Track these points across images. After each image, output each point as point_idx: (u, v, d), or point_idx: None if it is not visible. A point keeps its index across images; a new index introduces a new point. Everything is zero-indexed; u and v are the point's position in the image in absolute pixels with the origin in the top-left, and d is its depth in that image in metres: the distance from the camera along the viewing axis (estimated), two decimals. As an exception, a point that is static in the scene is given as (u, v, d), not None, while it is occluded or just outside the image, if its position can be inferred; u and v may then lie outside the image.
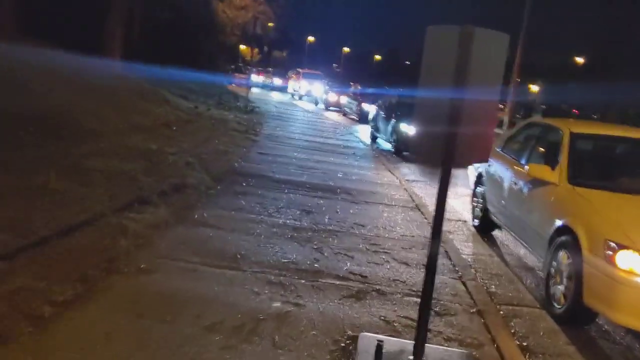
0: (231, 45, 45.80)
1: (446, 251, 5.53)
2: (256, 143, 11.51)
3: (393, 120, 14.45)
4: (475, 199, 7.38)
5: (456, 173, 11.47)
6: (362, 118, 23.59)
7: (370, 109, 17.49)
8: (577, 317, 4.18)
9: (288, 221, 5.84)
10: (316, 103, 32.17)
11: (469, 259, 5.69)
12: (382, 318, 3.77)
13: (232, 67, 46.70)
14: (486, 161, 3.10)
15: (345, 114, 26.48)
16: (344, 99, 27.18)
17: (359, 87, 26.74)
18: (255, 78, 50.16)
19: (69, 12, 14.86)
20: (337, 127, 18.82)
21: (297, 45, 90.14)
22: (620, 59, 61.63)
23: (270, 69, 58.42)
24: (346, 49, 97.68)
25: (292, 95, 39.06)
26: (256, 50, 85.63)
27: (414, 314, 3.72)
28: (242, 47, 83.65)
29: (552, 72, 76.81)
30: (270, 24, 50.32)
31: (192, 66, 27.62)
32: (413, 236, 5.96)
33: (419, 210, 7.30)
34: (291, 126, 16.80)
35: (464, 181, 11.16)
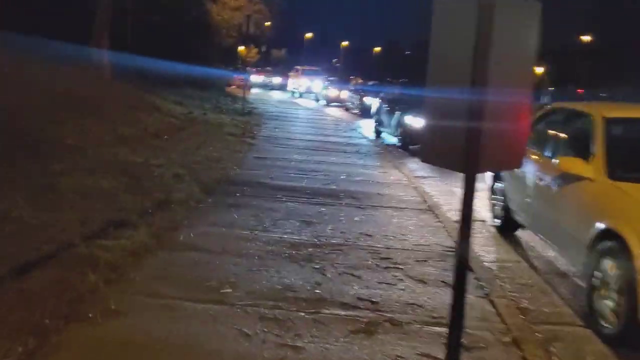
0: (228, 47, 45.24)
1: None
2: (253, 147, 10.86)
3: (397, 113, 13.76)
4: (494, 196, 6.69)
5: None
6: (365, 112, 22.89)
7: (373, 103, 16.81)
8: (632, 338, 3.49)
9: (285, 236, 5.18)
10: (317, 100, 31.51)
11: (494, 268, 5.02)
12: (399, 359, 3.10)
13: (230, 68, 46.11)
14: (519, 167, 2.39)
15: (347, 109, 25.82)
16: (344, 94, 26.53)
17: (360, 81, 26.05)
18: (255, 78, 49.55)
19: (54, 18, 14.30)
20: (338, 124, 18.15)
21: (296, 43, 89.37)
22: (628, 35, 60.42)
23: (269, 68, 57.74)
24: (345, 43, 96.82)
25: (292, 93, 38.40)
26: (255, 50, 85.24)
27: (438, 351, 3.06)
28: (241, 48, 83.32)
29: (556, 53, 75.64)
30: (268, 23, 49.71)
31: (188, 70, 27.03)
32: (428, 245, 5.29)
33: (432, 212, 6.62)
34: (291, 126, 16.15)
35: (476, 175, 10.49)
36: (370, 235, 5.40)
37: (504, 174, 6.32)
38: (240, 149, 10.24)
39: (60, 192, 5.45)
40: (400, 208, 6.67)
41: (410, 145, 13.29)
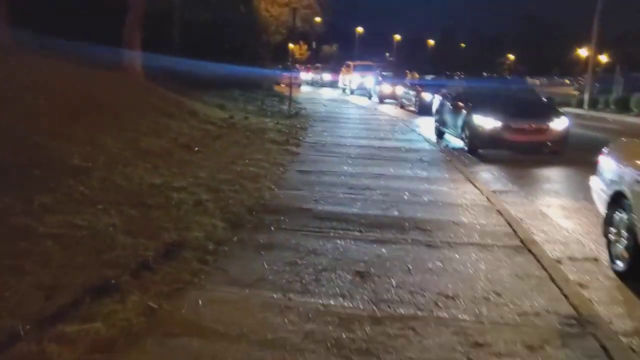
0: (277, 44, 44.14)
1: (604, 347, 3.22)
2: (297, 157, 9.41)
3: (464, 112, 12.00)
4: (611, 228, 4.96)
5: (550, 175, 8.94)
6: (422, 110, 21.11)
7: (434, 100, 15.07)
8: None
9: (332, 301, 3.68)
10: (369, 96, 29.83)
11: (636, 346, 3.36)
12: None
13: (280, 66, 45.07)
14: None
15: (402, 106, 24.04)
16: (400, 90, 24.75)
17: (417, 76, 24.22)
18: (304, 75, 48.39)
19: (87, 16, 13.37)
20: (394, 124, 16.48)
21: (347, 38, 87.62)
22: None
23: (319, 64, 56.43)
24: (397, 37, 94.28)
25: (343, 90, 36.87)
26: (305, 46, 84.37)
27: None
28: (291, 45, 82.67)
29: (622, 41, 70.73)
30: (318, 19, 48.28)
31: (236, 69, 25.98)
32: (538, 314, 3.65)
33: (529, 250, 4.94)
34: (341, 128, 14.62)
35: (561, 186, 8.68)
36: (452, 298, 3.81)
37: (631, 201, 4.59)
38: (282, 160, 8.81)
39: (36, 239, 4.15)
40: (486, 246, 5.03)
41: (480, 148, 11.52)
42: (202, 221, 5.06)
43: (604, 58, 78.95)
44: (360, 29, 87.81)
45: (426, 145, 12.06)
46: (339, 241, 4.93)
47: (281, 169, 8.12)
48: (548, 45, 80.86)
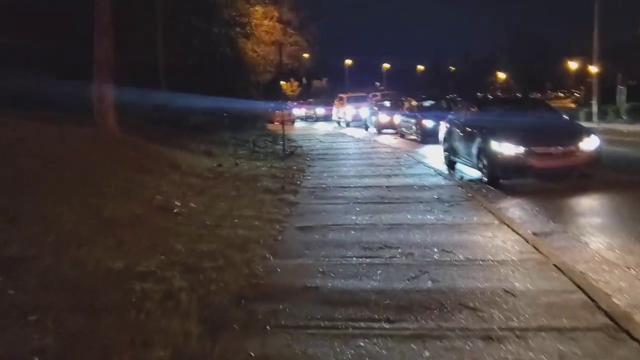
0: (267, 82, 43.33)
1: None
2: (295, 208, 8.03)
3: (478, 139, 10.70)
4: None
5: (592, 205, 7.53)
6: (425, 138, 19.87)
7: (441, 127, 13.80)
8: None
9: None
10: (366, 128, 28.65)
11: None
12: None
13: (271, 104, 44.19)
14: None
15: (402, 135, 22.80)
16: (398, 119, 23.54)
17: (414, 103, 23.02)
18: (297, 111, 47.48)
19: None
20: (398, 156, 15.16)
21: (336, 72, 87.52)
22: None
23: (311, 99, 55.66)
24: (386, 65, 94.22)
25: (338, 123, 35.78)
26: (295, 83, 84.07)
27: None
28: (282, 82, 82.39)
29: (612, 52, 70.18)
30: (306, 55, 47.61)
31: (226, 111, 24.92)
32: None
33: (630, 336, 3.53)
34: (342, 166, 13.28)
35: (612, 219, 7.19)
36: None
37: None
38: (278, 214, 7.42)
39: None
40: (564, 331, 3.59)
41: (502, 179, 10.18)
42: (171, 327, 3.66)
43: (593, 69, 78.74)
44: (349, 61, 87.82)
45: (439, 180, 10.69)
46: (361, 342, 3.51)
47: (277, 227, 6.73)
48: (538, 60, 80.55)
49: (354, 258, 5.37)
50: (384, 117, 25.80)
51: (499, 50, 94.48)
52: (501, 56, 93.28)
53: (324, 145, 19.57)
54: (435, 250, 5.58)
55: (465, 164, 11.92)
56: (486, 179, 10.41)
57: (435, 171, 11.91)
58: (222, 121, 23.96)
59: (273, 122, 40.23)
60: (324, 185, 10.17)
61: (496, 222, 6.87)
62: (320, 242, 6.03)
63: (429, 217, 7.27)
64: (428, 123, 19.82)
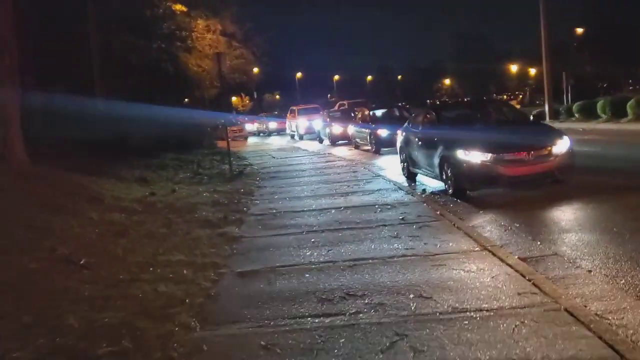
0: (214, 97, 41.73)
1: None
2: (238, 244, 6.70)
3: (440, 148, 9.65)
4: None
5: (577, 218, 6.50)
6: (380, 148, 18.90)
7: (398, 136, 12.72)
8: None
9: None
10: (320, 140, 27.50)
11: None
12: None
13: (222, 121, 42.65)
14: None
15: (357, 146, 21.78)
16: (351, 129, 22.50)
17: (367, 112, 22.02)
18: (250, 127, 46.05)
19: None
20: (355, 170, 14.00)
21: (287, 85, 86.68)
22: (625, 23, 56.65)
23: (263, 114, 54.31)
24: (337, 77, 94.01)
25: (292, 136, 34.60)
26: (247, 98, 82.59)
27: None
28: (233, 98, 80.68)
29: (553, 50, 71.58)
30: (256, 70, 46.20)
31: (169, 130, 23.35)
32: None
33: None
34: (295, 185, 12.01)
35: (607, 235, 6.04)
36: None
37: None
38: (216, 256, 6.09)
39: None
40: None
41: (469, 190, 9.15)
42: None
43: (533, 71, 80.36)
44: (299, 74, 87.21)
45: (401, 195, 9.56)
46: None
47: (212, 274, 5.39)
48: (480, 64, 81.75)
49: (309, 319, 4.09)
50: (337, 129, 24.75)
51: (445, 57, 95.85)
52: (446, 63, 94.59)
53: (276, 162, 18.26)
54: (411, 296, 4.37)
55: (427, 175, 10.87)
56: (451, 191, 9.36)
57: (395, 185, 10.78)
58: (165, 142, 22.46)
59: (224, 140, 38.72)
60: (274, 211, 8.87)
61: (476, 247, 5.73)
62: (265, 295, 4.73)
63: (396, 245, 6.07)
64: (382, 132, 18.86)
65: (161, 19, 29.45)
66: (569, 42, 64.72)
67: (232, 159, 18.17)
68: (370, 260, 5.54)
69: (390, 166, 14.24)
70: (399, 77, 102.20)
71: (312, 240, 6.64)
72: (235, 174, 14.38)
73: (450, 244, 5.96)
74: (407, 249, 5.89)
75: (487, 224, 7.24)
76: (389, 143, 17.96)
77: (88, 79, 23.74)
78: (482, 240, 6.01)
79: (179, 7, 30.76)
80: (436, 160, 9.87)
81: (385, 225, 7.12)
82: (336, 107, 30.84)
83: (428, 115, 11.25)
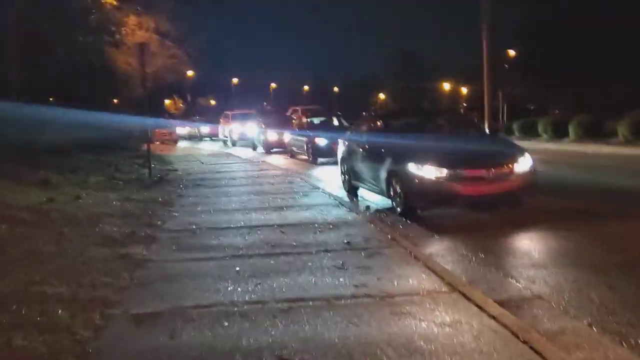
0: (144, 98, 39.41)
1: None
2: (142, 271, 5.26)
3: (389, 160, 8.57)
4: None
5: (552, 247, 5.64)
6: (317, 157, 17.79)
7: (339, 146, 11.58)
8: None
9: None
10: (254, 147, 26.06)
11: None
12: None
13: (150, 123, 40.32)
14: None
15: (292, 155, 20.56)
16: (287, 137, 21.26)
17: (305, 120, 20.88)
18: (181, 130, 43.89)
19: None
20: (291, 180, 12.75)
21: (223, 90, 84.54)
22: (558, 48, 58.80)
23: (196, 117, 52.10)
24: (273, 85, 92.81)
25: (225, 142, 32.95)
26: (180, 100, 79.74)
27: None
28: (167, 101, 77.68)
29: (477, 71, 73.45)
30: (190, 73, 44.18)
31: (91, 128, 21.40)
32: None
33: None
34: (223, 195, 10.59)
35: (595, 268, 5.06)
36: None
37: None
38: (108, 287, 4.64)
39: None
40: None
41: (420, 209, 8.10)
42: None
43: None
44: (235, 80, 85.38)
45: (343, 212, 8.38)
46: None
47: (97, 318, 3.96)
48: (414, 80, 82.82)
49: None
50: (272, 136, 23.42)
51: (381, 71, 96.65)
52: (381, 77, 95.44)
53: (204, 168, 16.69)
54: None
55: (371, 190, 9.78)
56: (399, 210, 8.28)
57: (335, 200, 9.61)
58: (87, 143, 20.51)
59: (152, 142, 36.44)
60: (195, 227, 7.45)
61: (443, 287, 4.60)
62: (164, 356, 3.36)
63: (343, 280, 4.85)
64: (320, 142, 17.76)
65: (89, 10, 27.29)
66: (501, 63, 66.58)
67: (154, 163, 16.53)
68: (311, 302, 4.28)
69: (329, 178, 13.10)
70: (335, 88, 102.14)
71: (237, 268, 5.31)
72: (156, 180, 12.79)
73: (411, 281, 4.80)
74: (357, 285, 4.68)
75: (446, 253, 6.16)
76: (328, 153, 16.90)
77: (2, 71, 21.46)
78: (447, 277, 4.89)
79: (109, 0, 28.65)
80: (383, 174, 8.79)
81: (327, 251, 5.89)
82: (289, 113, 29.11)
83: (375, 124, 10.17)
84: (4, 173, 10.48)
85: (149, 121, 38.91)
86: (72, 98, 24.00)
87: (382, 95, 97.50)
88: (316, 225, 7.33)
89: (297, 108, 34.91)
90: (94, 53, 27.28)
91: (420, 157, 8.00)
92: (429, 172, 7.82)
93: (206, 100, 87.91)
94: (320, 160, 17.58)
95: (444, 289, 4.57)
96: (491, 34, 24.73)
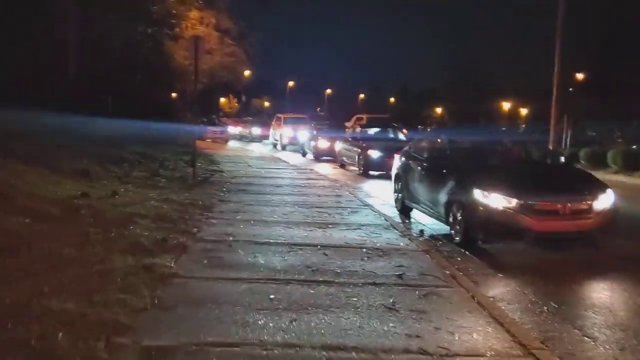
0: (200, 95, 39.59)
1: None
2: (165, 289, 4.64)
3: (451, 183, 7.76)
4: None
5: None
6: (368, 170, 16.98)
7: (395, 161, 10.81)
8: None
9: None
10: (304, 153, 25.49)
11: None
12: None
13: (204, 120, 40.49)
14: None
15: (342, 165, 19.81)
16: (339, 146, 20.52)
17: (359, 129, 20.14)
18: (232, 130, 43.89)
19: None
20: (339, 194, 12.01)
21: (278, 92, 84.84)
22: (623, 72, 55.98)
23: (249, 117, 52.09)
24: (328, 91, 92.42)
25: (274, 145, 32.54)
26: (235, 100, 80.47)
27: None
28: (222, 99, 78.55)
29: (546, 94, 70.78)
30: (247, 73, 44.15)
31: (144, 123, 21.38)
32: None
33: None
34: (265, 204, 9.96)
35: None
36: None
37: None
38: (124, 309, 4.03)
39: None
40: None
41: (484, 241, 7.24)
42: None
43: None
44: (291, 83, 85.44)
45: (395, 236, 7.58)
46: None
47: (101, 349, 3.34)
48: (473, 97, 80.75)
49: None
50: (323, 143, 22.76)
51: (438, 84, 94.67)
52: (440, 90, 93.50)
53: (250, 172, 16.15)
54: None
55: (426, 213, 8.96)
56: (458, 239, 7.45)
57: (386, 220, 8.82)
58: (139, 133, 20.48)
59: (204, 139, 36.45)
60: (231, 238, 6.83)
61: (514, 347, 3.78)
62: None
63: (394, 327, 4.08)
64: (373, 154, 16.97)
65: (151, 1, 27.48)
66: (569, 84, 63.89)
67: (200, 162, 16.15)
68: (354, 354, 3.55)
69: (380, 194, 12.31)
70: (392, 99, 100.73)
71: (272, 296, 4.63)
72: (199, 180, 12.31)
73: (475, 335, 3.99)
74: (410, 336, 3.90)
75: (513, 298, 5.31)
76: (380, 166, 16.10)
77: (59, 60, 21.68)
78: (517, 332, 4.06)
79: (172, -8, 28.79)
80: (442, 198, 7.97)
81: (376, 285, 5.13)
82: (352, 122, 27.98)
83: (438, 141, 9.33)
84: (45, 161, 10.20)
85: (204, 120, 38.99)
86: (128, 90, 24.10)
87: (438, 109, 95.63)
88: (364, 250, 6.57)
89: (362, 116, 34.00)
90: (152, 45, 27.42)
91: (487, 183, 7.14)
92: (496, 200, 6.96)
93: (261, 101, 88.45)
94: (371, 173, 16.78)
95: (515, 350, 3.75)
96: (564, 53, 23.28)
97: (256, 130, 42.59)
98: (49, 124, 15.21)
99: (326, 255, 6.23)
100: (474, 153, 8.78)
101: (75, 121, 17.37)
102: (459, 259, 6.76)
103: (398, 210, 10.22)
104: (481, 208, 7.05)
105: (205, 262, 5.67)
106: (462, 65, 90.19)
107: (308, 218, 8.62)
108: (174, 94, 34.95)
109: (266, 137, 37.63)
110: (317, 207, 9.68)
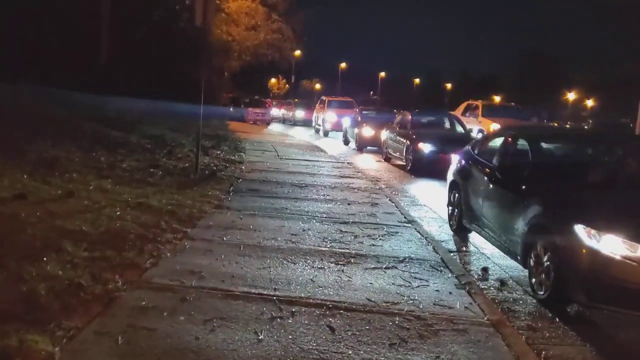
0: (241, 72, 37.54)
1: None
2: None
3: (535, 208, 5.11)
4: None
5: None
6: (416, 167, 14.29)
7: (451, 163, 8.21)
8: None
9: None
10: (346, 142, 22.90)
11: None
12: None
13: (247, 100, 38.45)
14: None
15: (388, 159, 17.14)
16: (384, 135, 17.82)
17: (409, 117, 17.31)
18: (275, 112, 41.77)
19: None
20: (377, 199, 9.42)
21: (329, 74, 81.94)
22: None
23: (295, 100, 49.69)
24: (382, 74, 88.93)
25: (317, 130, 30.11)
26: (283, 80, 78.30)
27: None
28: (272, 80, 76.45)
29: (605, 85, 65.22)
30: (298, 53, 41.80)
31: (182, 98, 19.38)
32: None
33: None
34: (276, 214, 7.50)
35: None
36: None
37: None
38: None
39: None
40: None
41: (582, 303, 4.62)
42: None
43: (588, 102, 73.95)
44: (343, 65, 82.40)
45: (446, 287, 5.03)
46: None
47: None
48: (536, 84, 75.76)
49: None
50: (367, 131, 20.06)
51: (500, 71, 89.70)
52: (501, 77, 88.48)
53: (275, 164, 13.65)
54: None
55: (492, 242, 6.35)
56: (542, 293, 4.85)
57: (435, 251, 6.25)
58: (168, 110, 18.74)
59: (245, 121, 34.41)
60: (193, 283, 4.47)
61: None
62: None
63: None
64: (425, 147, 14.29)
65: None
66: (632, 75, 58.38)
67: (220, 150, 14.01)
68: None
69: (431, 202, 9.74)
70: (449, 85, 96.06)
71: None
72: (206, 174, 10.03)
73: None
74: None
75: None
76: (432, 164, 13.42)
77: (93, 26, 20.14)
78: None
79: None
80: (520, 227, 5.37)
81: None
82: (461, 108, 23.63)
83: (513, 142, 6.57)
84: (10, 144, 8.15)
85: (246, 100, 36.68)
86: (160, 64, 22.29)
87: (497, 98, 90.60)
88: (396, 321, 4.06)
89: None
90: (189, 16, 25.45)
91: (598, 217, 4.51)
92: (612, 245, 4.34)
93: (311, 83, 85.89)
94: (420, 172, 14.06)
95: None
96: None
97: (300, 114, 40.27)
98: (68, 102, 13.45)
99: (331, 331, 3.77)
100: (571, 163, 6.05)
101: (99, 100, 15.65)
102: (547, 334, 4.21)
103: (452, 230, 7.66)
104: (586, 256, 4.43)
105: (121, 340, 3.31)
106: (527, 50, 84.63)
107: (324, 242, 6.15)
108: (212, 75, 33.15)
109: (310, 120, 35.28)
110: (341, 224, 7.17)
